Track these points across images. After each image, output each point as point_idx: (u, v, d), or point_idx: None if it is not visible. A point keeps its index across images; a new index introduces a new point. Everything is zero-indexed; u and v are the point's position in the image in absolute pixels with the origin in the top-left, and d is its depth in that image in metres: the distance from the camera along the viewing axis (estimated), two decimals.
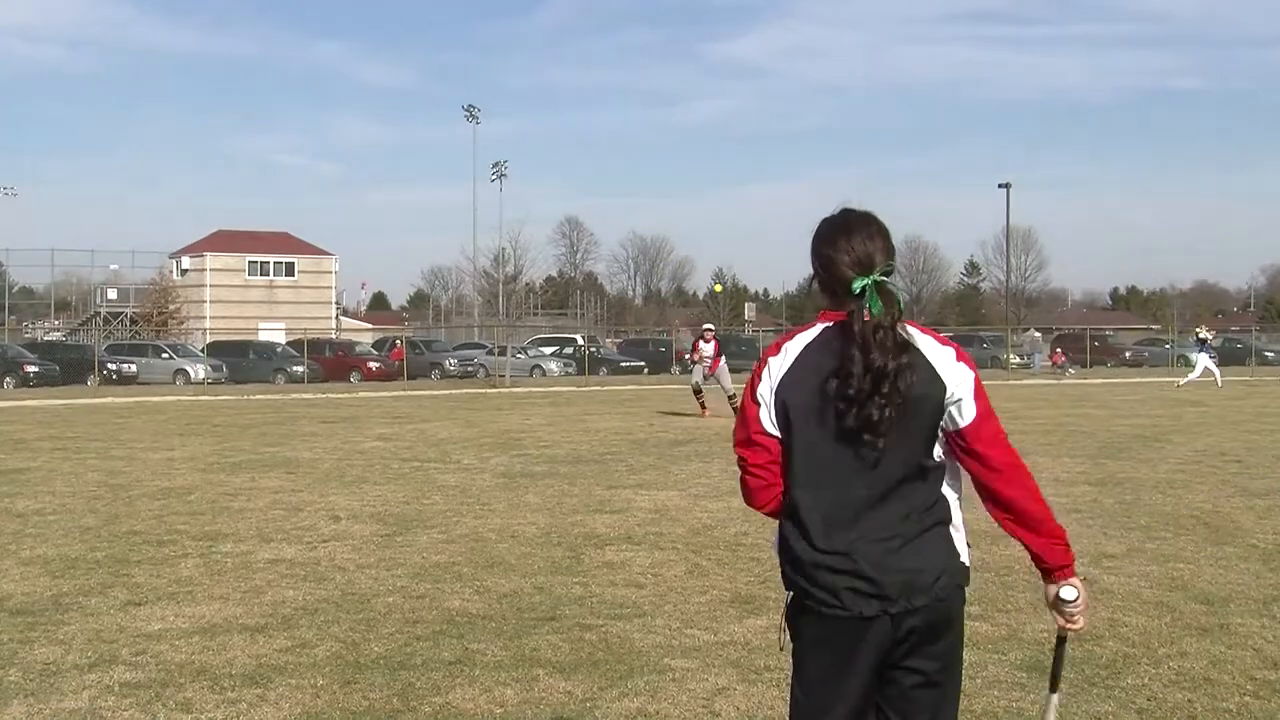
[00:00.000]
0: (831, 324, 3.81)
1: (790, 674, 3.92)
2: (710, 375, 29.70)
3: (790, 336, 3.87)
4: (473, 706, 6.80)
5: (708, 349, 29.93)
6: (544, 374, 65.74)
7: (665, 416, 29.14)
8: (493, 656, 7.77)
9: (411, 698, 6.96)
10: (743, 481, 3.90)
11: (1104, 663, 7.55)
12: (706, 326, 33.34)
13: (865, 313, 3.71)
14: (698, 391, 29.84)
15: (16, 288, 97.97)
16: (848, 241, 3.82)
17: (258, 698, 6.99)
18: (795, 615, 3.86)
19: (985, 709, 6.67)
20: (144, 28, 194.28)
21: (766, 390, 3.82)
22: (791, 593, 3.85)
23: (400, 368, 62.39)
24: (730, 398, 29.02)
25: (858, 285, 3.75)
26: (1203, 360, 44.99)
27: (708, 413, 28.61)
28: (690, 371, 31.68)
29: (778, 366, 3.81)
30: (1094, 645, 7.91)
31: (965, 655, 7.51)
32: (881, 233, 3.85)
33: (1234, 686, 7.07)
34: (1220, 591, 9.45)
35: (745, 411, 3.86)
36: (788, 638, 3.91)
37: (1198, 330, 50.88)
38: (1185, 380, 43.80)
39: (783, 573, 3.88)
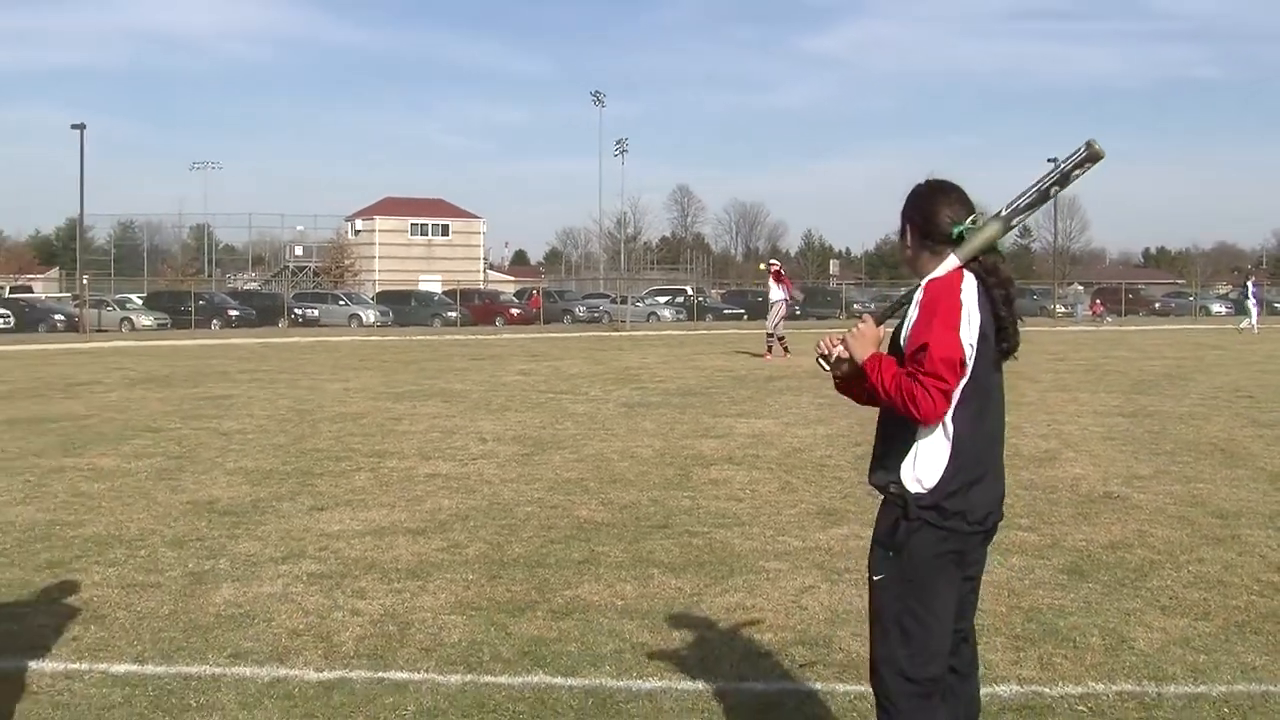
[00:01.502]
0: (971, 270, 3.74)
1: (904, 597, 3.71)
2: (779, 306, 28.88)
3: (960, 279, 3.70)
4: (598, 599, 6.86)
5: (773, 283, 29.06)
6: (658, 320, 65.55)
7: (761, 357, 28.94)
8: (615, 557, 7.82)
9: (546, 591, 7.03)
10: (934, 400, 3.58)
11: (1133, 567, 7.50)
12: (771, 261, 32.34)
13: (984, 257, 3.76)
14: (780, 338, 28.73)
15: (221, 246, 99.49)
16: (946, 198, 3.84)
17: (419, 588, 7.11)
18: (915, 537, 3.69)
19: (1032, 605, 6.64)
20: (321, 28, 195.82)
21: (970, 328, 3.65)
22: (919, 520, 3.67)
23: (537, 314, 62.73)
24: (768, 335, 28.46)
25: (956, 230, 3.76)
26: (1252, 303, 44.54)
27: (787, 356, 27.51)
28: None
29: (971, 306, 3.67)
30: (1124, 552, 7.87)
31: (1015, 561, 7.57)
32: (967, 198, 3.87)
33: (1243, 587, 7.04)
34: (1233, 508, 9.36)
35: (958, 337, 3.62)
36: (898, 563, 3.73)
37: (1249, 279, 50.02)
38: (1256, 327, 43.01)
39: (919, 499, 3.67)
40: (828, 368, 3.93)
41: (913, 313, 3.74)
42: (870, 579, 3.84)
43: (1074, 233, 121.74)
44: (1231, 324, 43.63)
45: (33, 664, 5.76)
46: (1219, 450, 12.40)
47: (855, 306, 69.18)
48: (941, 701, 3.81)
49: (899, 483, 3.72)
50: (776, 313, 28.92)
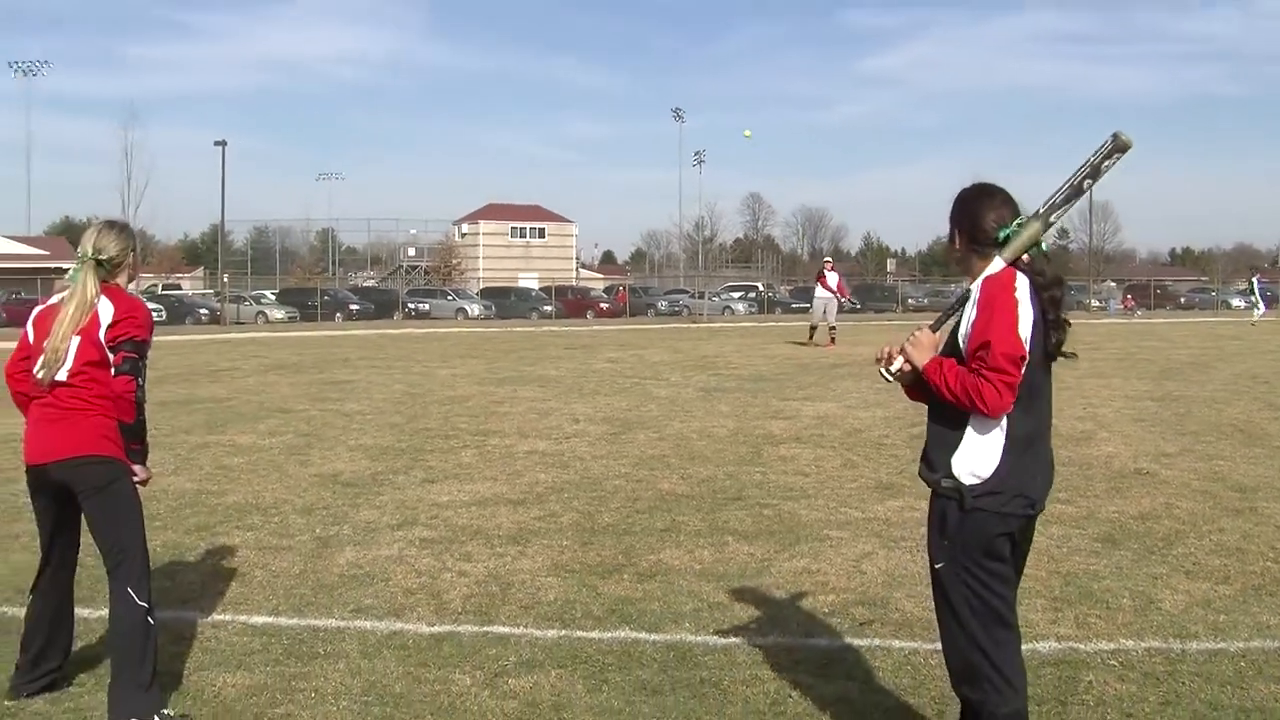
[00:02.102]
0: (1019, 271, 3.62)
1: (967, 581, 3.62)
2: (828, 307, 27.99)
3: (1013, 277, 3.59)
4: (678, 563, 6.89)
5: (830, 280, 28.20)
6: (733, 313, 65.45)
7: (824, 346, 28.72)
8: (694, 526, 7.85)
9: (633, 555, 7.07)
10: (1000, 394, 3.49)
11: (1160, 536, 7.45)
12: (826, 259, 31.80)
13: (1029, 257, 3.66)
14: (814, 327, 28.27)
15: (343, 247, 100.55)
16: (991, 201, 3.74)
17: (519, 552, 7.18)
18: (968, 523, 3.59)
19: (1069, 570, 6.62)
20: (426, 52, 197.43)
21: (1027, 325, 3.54)
22: (974, 509, 3.58)
23: (624, 308, 62.84)
24: (831, 328, 28.02)
25: (1003, 234, 3.66)
26: (1257, 297, 43.90)
27: (814, 344, 27.23)
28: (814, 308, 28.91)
29: (1025, 302, 3.55)
30: (1153, 523, 7.82)
31: (1054, 530, 7.54)
32: (1012, 200, 3.76)
33: (1259, 554, 6.98)
34: (1251, 482, 9.26)
35: (1018, 333, 3.51)
36: (955, 549, 3.64)
37: (1254, 276, 49.28)
38: (1262, 315, 42.36)
39: (974, 489, 3.57)
40: (889, 377, 3.80)
41: (970, 312, 3.61)
42: (933, 568, 3.75)
43: (1108, 234, 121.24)
44: (1250, 318, 43.05)
45: (185, 614, 5.92)
46: (1238, 431, 12.22)
47: (910, 301, 68.91)
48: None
49: (952, 477, 3.62)
50: (824, 307, 28.36)
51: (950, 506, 3.64)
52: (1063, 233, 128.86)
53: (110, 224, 4.83)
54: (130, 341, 4.59)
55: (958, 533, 3.62)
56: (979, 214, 3.74)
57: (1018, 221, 3.69)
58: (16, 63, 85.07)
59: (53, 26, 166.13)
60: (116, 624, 4.61)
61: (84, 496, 4.61)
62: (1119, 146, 3.57)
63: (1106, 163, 3.61)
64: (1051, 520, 7.71)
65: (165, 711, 4.56)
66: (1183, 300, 75.46)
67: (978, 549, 3.61)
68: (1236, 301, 70.77)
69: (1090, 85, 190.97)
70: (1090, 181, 3.65)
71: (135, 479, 4.74)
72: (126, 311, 4.63)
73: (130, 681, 4.51)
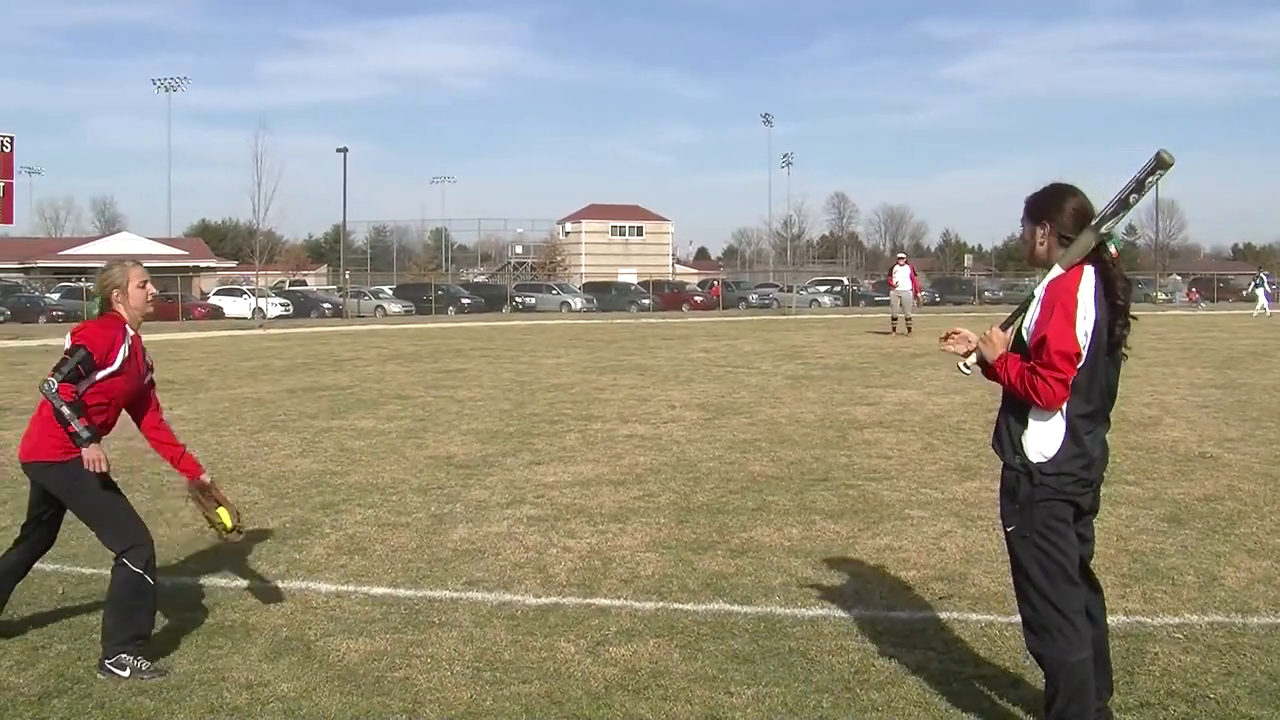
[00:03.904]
0: (1091, 267, 3.69)
1: (1036, 541, 3.73)
2: (904, 299, 27.99)
3: (1077, 278, 3.65)
4: (768, 540, 6.88)
5: (900, 273, 28.21)
6: (819, 305, 64.78)
7: (906, 336, 28.38)
8: (783, 505, 7.83)
9: (725, 533, 7.08)
10: (1053, 389, 3.60)
11: (1224, 516, 7.32)
12: (899, 254, 31.62)
13: (1113, 251, 3.72)
14: (894, 319, 28.36)
15: (455, 245, 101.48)
16: (1074, 200, 3.81)
17: (619, 529, 7.22)
18: (1036, 492, 3.71)
19: (1136, 548, 6.54)
20: (532, 64, 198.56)
21: (1085, 321, 3.62)
22: (1042, 485, 3.70)
23: (717, 301, 62.67)
24: (907, 319, 27.82)
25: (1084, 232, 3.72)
26: (1262, 293, 43.07)
27: (895, 335, 27.35)
28: (890, 302, 29.21)
29: (1087, 302, 3.63)
30: (1216, 504, 7.69)
31: (1122, 510, 7.42)
32: (1089, 201, 3.82)
33: None
34: None
35: (1074, 331, 3.59)
36: (1025, 518, 3.75)
37: (1264, 272, 48.11)
38: (1267, 311, 41.34)
39: (1042, 467, 3.69)
40: (965, 369, 4.00)
41: (1034, 310, 3.72)
42: (1005, 531, 3.86)
43: (1173, 230, 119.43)
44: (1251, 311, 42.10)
45: (311, 585, 6.06)
46: None
47: (986, 294, 68.14)
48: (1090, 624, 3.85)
49: (1023, 455, 3.75)
50: (900, 300, 28.33)
51: (1020, 478, 3.76)
52: (1130, 229, 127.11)
53: None
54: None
55: (1027, 500, 3.74)
56: (1062, 210, 3.81)
57: (1097, 218, 3.74)
58: (158, 79, 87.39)
59: (190, 46, 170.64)
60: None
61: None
62: (1161, 164, 3.62)
63: (1150, 179, 3.65)
64: (1120, 501, 7.60)
65: (138, 664, 4.73)
66: (1244, 293, 73.65)
67: (1044, 513, 3.72)
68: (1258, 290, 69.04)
69: (1154, 89, 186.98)
70: (1136, 196, 3.68)
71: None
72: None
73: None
